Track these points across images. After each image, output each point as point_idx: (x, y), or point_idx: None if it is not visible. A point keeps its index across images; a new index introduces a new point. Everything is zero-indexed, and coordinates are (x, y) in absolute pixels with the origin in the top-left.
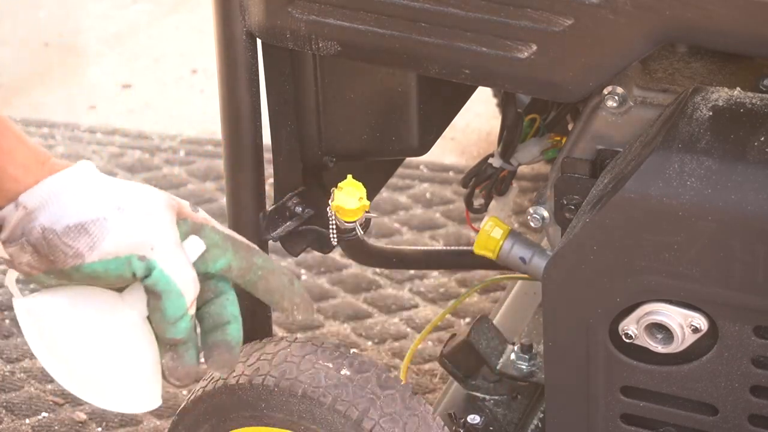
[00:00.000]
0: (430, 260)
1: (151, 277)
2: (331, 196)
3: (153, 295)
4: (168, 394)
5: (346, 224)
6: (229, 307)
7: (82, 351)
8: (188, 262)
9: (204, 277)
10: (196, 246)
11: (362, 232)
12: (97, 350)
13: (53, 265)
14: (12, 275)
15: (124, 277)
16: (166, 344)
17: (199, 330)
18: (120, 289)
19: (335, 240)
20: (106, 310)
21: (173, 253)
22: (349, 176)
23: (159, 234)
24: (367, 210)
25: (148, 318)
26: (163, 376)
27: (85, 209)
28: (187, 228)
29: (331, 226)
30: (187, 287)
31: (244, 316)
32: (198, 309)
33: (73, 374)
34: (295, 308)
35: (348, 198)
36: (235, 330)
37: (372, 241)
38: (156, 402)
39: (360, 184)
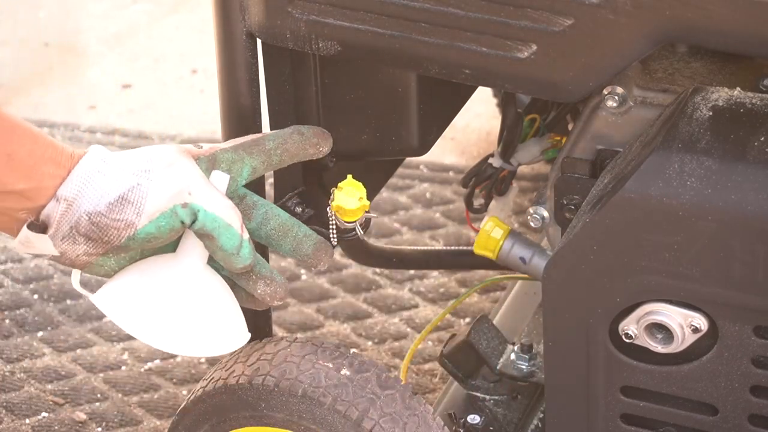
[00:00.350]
0: (430, 260)
1: (198, 221)
2: (331, 196)
3: (206, 237)
4: (168, 394)
5: (346, 224)
6: (282, 214)
7: (165, 312)
8: (223, 196)
9: (239, 198)
10: (221, 178)
11: (362, 232)
12: (178, 306)
13: (109, 245)
14: (76, 276)
15: (175, 229)
16: (244, 277)
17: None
18: (173, 250)
19: (335, 240)
20: (170, 267)
21: (208, 191)
22: (349, 176)
23: (189, 179)
24: (367, 210)
25: (210, 264)
26: (265, 302)
27: (119, 183)
28: (205, 164)
29: (331, 227)
30: (230, 217)
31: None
32: (254, 232)
33: (170, 336)
34: (313, 149)
35: (348, 198)
36: (304, 226)
37: (372, 241)
38: (245, 336)
39: (360, 184)
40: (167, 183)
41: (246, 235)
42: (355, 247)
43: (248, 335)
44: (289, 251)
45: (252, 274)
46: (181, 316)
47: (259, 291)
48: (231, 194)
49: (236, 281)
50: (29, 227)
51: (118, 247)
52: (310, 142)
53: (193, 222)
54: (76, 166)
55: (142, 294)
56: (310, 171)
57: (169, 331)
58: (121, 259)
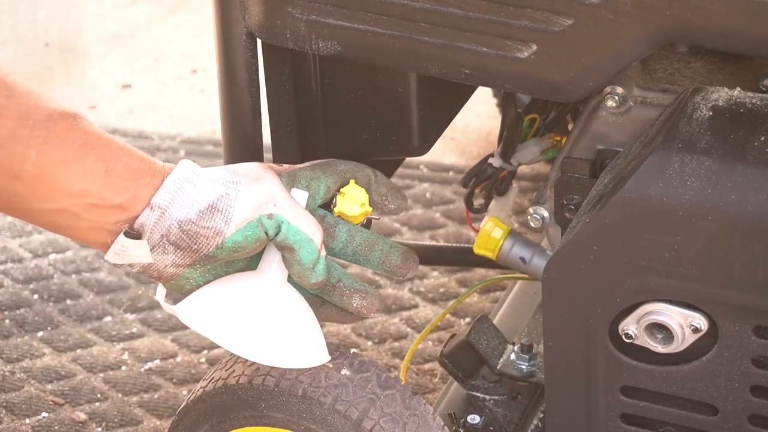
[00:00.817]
0: (432, 256)
1: (281, 232)
2: (334, 201)
3: (287, 250)
4: (168, 394)
5: None
6: (364, 231)
7: (247, 323)
8: (305, 209)
9: (319, 217)
10: (301, 195)
11: None
12: (259, 317)
13: (197, 254)
14: (161, 292)
15: (260, 239)
16: (336, 293)
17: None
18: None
19: None
20: (252, 280)
21: (292, 205)
22: (352, 181)
23: (275, 191)
24: (369, 214)
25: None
26: (361, 315)
27: (208, 192)
28: (286, 179)
29: None
30: (313, 231)
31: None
32: (340, 251)
33: (252, 345)
34: (385, 199)
35: (351, 204)
36: (387, 242)
37: None
38: (325, 356)
39: (362, 189)
40: (254, 194)
41: (324, 252)
42: None
43: (328, 357)
44: (377, 265)
45: (345, 289)
46: (262, 327)
47: (355, 305)
48: (311, 212)
49: (328, 299)
50: (126, 235)
51: (205, 258)
52: (377, 191)
53: (277, 234)
54: (169, 175)
55: (224, 305)
56: None
57: (252, 341)
58: (206, 272)
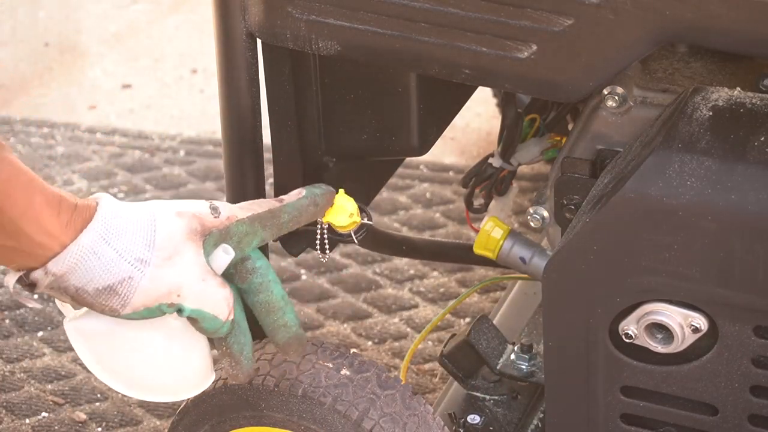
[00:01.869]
0: (438, 251)
1: (183, 312)
2: None
3: (190, 320)
4: None
5: (340, 231)
6: (275, 290)
7: (134, 359)
8: (217, 285)
9: (241, 261)
10: (223, 258)
11: (357, 240)
12: (147, 354)
13: (92, 309)
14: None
15: (158, 316)
16: (217, 341)
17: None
18: None
19: (326, 255)
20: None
21: (199, 290)
22: (341, 191)
23: (182, 278)
24: (358, 223)
25: None
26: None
27: (110, 272)
28: (216, 238)
29: (317, 239)
30: (219, 309)
31: (247, 319)
32: (244, 294)
33: (128, 381)
34: (326, 208)
35: (338, 216)
36: (291, 312)
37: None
38: (209, 380)
39: (351, 199)
40: (159, 281)
41: (231, 317)
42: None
43: (213, 376)
44: (265, 327)
45: (224, 346)
46: (150, 365)
47: (224, 365)
48: (234, 257)
49: (218, 348)
50: (18, 281)
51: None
52: (322, 210)
53: (180, 311)
54: (72, 244)
55: (116, 338)
56: (310, 171)
57: (134, 378)
58: None
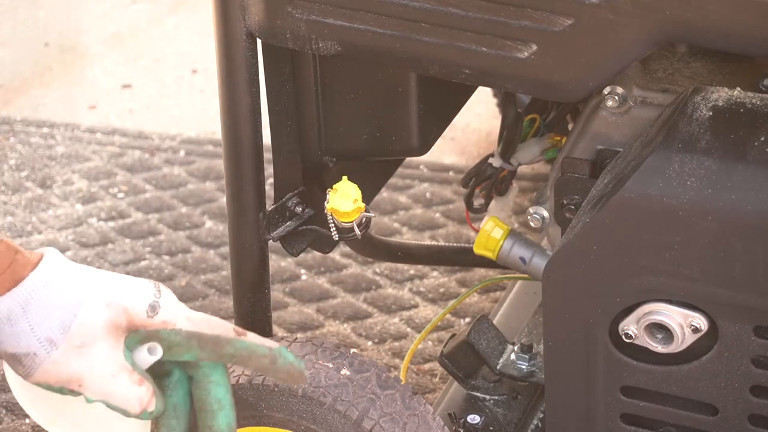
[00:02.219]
0: (434, 255)
1: (88, 400)
2: (327, 198)
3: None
4: None
5: (343, 224)
6: (213, 391)
7: (62, 414)
8: (130, 383)
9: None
10: (147, 357)
11: (360, 233)
12: (72, 412)
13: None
14: None
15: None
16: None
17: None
18: None
19: (337, 237)
20: None
21: (104, 384)
22: (345, 177)
23: (87, 370)
24: (363, 211)
25: None
26: None
27: (18, 343)
28: (141, 337)
29: (331, 227)
30: (128, 404)
31: (244, 316)
32: (191, 378)
33: (53, 425)
34: (284, 380)
35: (342, 201)
36: (222, 418)
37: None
38: None
39: (355, 185)
40: (61, 367)
41: (151, 407)
42: (361, 241)
43: None
44: (197, 420)
45: (154, 426)
46: (70, 416)
47: None
48: (164, 358)
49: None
50: None
51: None
52: (277, 374)
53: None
54: (16, 294)
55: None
56: (310, 171)
57: (59, 427)
58: None
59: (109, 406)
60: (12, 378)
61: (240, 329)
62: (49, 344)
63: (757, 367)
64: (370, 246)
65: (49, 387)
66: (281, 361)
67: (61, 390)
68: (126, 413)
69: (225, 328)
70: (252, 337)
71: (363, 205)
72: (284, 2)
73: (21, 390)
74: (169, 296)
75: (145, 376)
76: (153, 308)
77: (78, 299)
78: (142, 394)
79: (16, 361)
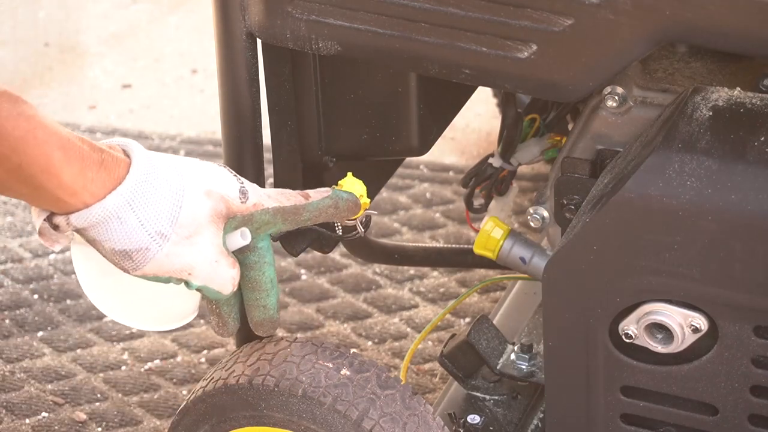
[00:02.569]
0: (432, 257)
1: (190, 286)
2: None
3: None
4: (168, 394)
5: (347, 222)
6: (267, 271)
7: (126, 286)
8: (227, 266)
9: (252, 243)
10: (239, 241)
11: (363, 231)
12: (139, 284)
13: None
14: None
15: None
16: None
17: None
18: None
19: (341, 232)
20: None
21: (209, 271)
22: (349, 174)
23: (196, 259)
24: (367, 207)
25: None
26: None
27: (130, 239)
28: (237, 222)
29: (336, 225)
30: (224, 287)
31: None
32: (240, 262)
33: (116, 306)
34: (346, 217)
35: None
36: (273, 296)
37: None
38: (192, 317)
39: (360, 181)
40: (174, 258)
41: (233, 290)
42: (358, 243)
43: (195, 312)
44: (246, 301)
45: (214, 304)
46: (142, 293)
47: (210, 321)
48: (248, 241)
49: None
50: (46, 220)
51: None
52: (340, 215)
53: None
54: (98, 204)
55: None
56: (310, 171)
57: (125, 304)
58: None
59: (206, 291)
60: (82, 269)
61: (304, 192)
62: (161, 238)
63: (757, 367)
64: (367, 248)
65: (156, 279)
66: (341, 203)
67: (168, 280)
68: (219, 295)
69: (295, 196)
70: (315, 194)
71: (368, 200)
72: (284, 2)
73: (87, 280)
74: (245, 180)
75: (235, 258)
76: (243, 194)
77: (180, 191)
78: (234, 275)
79: (125, 256)
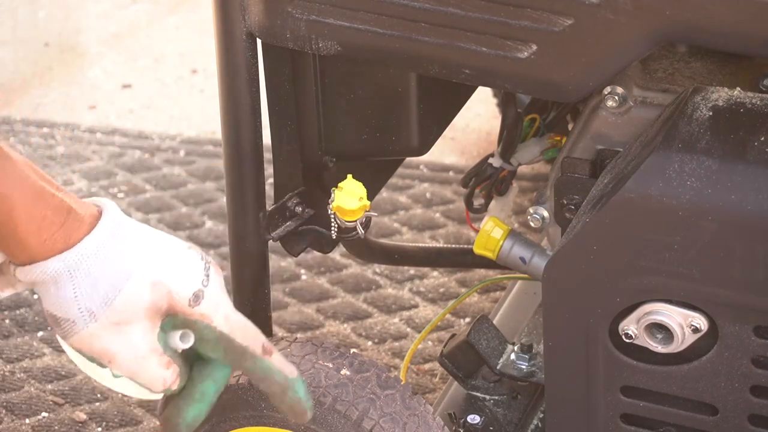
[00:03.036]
0: (431, 257)
1: (115, 374)
2: (332, 196)
3: None
4: None
5: (346, 223)
6: (205, 383)
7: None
8: (158, 365)
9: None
10: (179, 344)
11: (363, 232)
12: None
13: None
14: None
15: None
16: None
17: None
18: None
19: (336, 236)
20: None
21: (133, 365)
22: (349, 176)
23: (119, 348)
24: (367, 209)
25: None
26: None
27: (61, 306)
28: (178, 323)
29: (333, 227)
30: (152, 384)
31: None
32: (197, 359)
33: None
34: (286, 412)
35: (348, 198)
36: (194, 410)
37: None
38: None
39: (360, 183)
40: (96, 341)
41: (174, 387)
42: (357, 243)
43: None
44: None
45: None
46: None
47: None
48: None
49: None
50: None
51: None
52: (280, 403)
53: None
54: (39, 264)
55: None
56: (310, 171)
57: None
58: None
59: (133, 381)
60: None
61: (269, 345)
62: (89, 316)
63: (757, 367)
64: (367, 249)
65: (81, 353)
66: (291, 394)
67: (93, 360)
68: (149, 390)
69: (256, 340)
70: (276, 359)
71: (368, 202)
72: (284, 2)
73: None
74: (215, 285)
75: (173, 358)
76: (197, 297)
77: (126, 274)
78: (167, 376)
79: (55, 321)
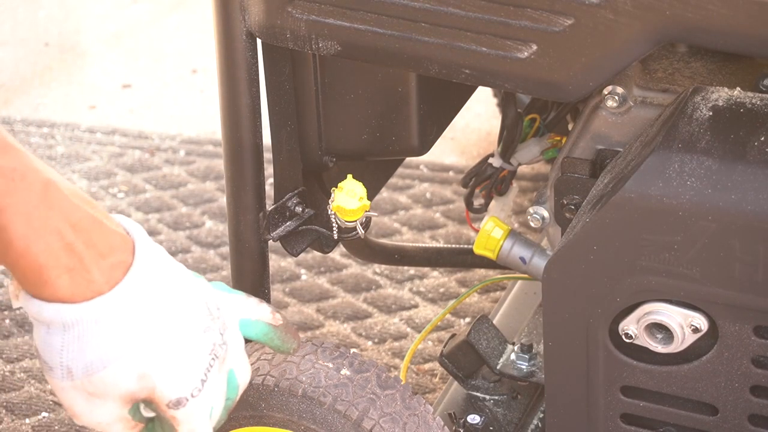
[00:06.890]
0: (431, 257)
1: None
2: (332, 197)
3: None
4: None
5: (347, 224)
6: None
7: None
8: (121, 429)
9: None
10: (144, 411)
11: (363, 232)
12: None
13: None
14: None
15: None
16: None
17: None
18: None
19: (337, 236)
20: None
21: (96, 426)
22: (349, 176)
23: (86, 414)
24: (367, 209)
25: None
26: None
27: (45, 350)
28: (151, 412)
29: (333, 227)
30: None
31: None
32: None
33: None
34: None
35: (348, 198)
36: None
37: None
38: None
39: (360, 183)
40: (64, 397)
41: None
42: (357, 243)
43: None
44: None
45: None
46: None
47: None
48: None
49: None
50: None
51: None
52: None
53: None
54: (38, 303)
55: None
56: (310, 171)
57: None
58: None
59: None
60: None
61: None
62: (67, 373)
63: (757, 367)
64: (367, 249)
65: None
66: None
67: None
68: None
69: None
70: None
71: (368, 202)
72: (284, 2)
73: None
74: (202, 402)
75: (141, 420)
76: (178, 403)
77: (117, 353)
78: None
79: (38, 354)
